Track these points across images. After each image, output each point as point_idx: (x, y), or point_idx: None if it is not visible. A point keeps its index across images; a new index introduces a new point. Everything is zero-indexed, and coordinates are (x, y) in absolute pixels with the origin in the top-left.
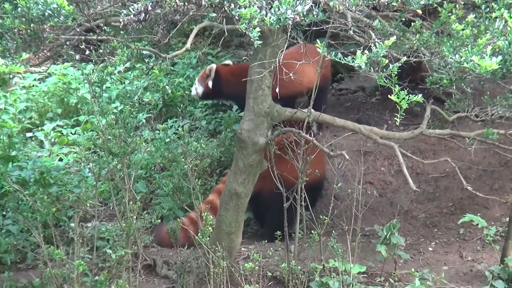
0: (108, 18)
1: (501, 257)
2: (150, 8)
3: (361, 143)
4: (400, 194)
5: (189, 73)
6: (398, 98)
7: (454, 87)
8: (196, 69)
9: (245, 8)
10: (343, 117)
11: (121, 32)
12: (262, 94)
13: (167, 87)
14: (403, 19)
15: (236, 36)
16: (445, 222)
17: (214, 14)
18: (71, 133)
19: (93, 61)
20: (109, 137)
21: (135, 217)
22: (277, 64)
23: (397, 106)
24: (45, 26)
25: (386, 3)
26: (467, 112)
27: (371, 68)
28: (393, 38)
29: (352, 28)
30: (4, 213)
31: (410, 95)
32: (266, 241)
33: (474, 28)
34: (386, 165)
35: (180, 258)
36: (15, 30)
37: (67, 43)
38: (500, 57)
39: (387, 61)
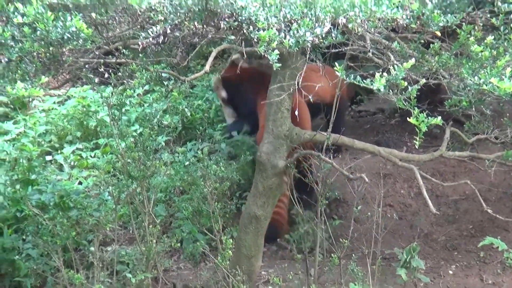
0: (127, 41)
1: None
2: (169, 31)
3: (380, 165)
4: (420, 217)
5: (208, 95)
6: (417, 120)
7: (473, 109)
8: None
9: (263, 31)
10: (362, 139)
11: (140, 55)
12: (281, 117)
13: (186, 109)
14: (422, 41)
15: (255, 58)
16: (465, 245)
17: (233, 37)
18: (91, 156)
19: (112, 84)
20: (129, 160)
21: (154, 240)
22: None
23: (417, 129)
24: (64, 49)
25: (405, 25)
26: (486, 134)
27: (390, 90)
28: (412, 61)
29: (371, 50)
30: (24, 237)
31: (429, 117)
32: (286, 265)
33: (493, 50)
34: (406, 187)
35: (200, 282)
36: (34, 54)
37: (86, 66)
38: None
39: (406, 83)
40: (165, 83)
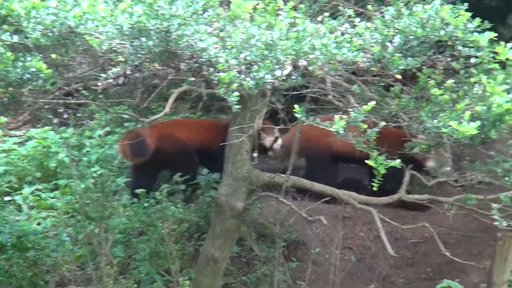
0: (87, 81)
1: None
2: (129, 72)
3: (340, 208)
4: (379, 259)
5: None
6: (376, 163)
7: (433, 152)
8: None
9: (224, 72)
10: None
11: (100, 96)
12: (241, 159)
13: None
14: (382, 83)
15: (217, 100)
16: (423, 287)
17: (193, 78)
18: (50, 197)
19: (72, 124)
20: (87, 201)
21: (111, 281)
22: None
23: (375, 171)
24: (24, 90)
25: (366, 68)
26: (446, 177)
27: (350, 133)
28: (372, 103)
29: (331, 92)
30: None
31: (388, 160)
32: None
33: (453, 93)
34: (365, 230)
35: None
36: None
37: (46, 106)
38: (478, 122)
39: (366, 126)
40: (126, 124)
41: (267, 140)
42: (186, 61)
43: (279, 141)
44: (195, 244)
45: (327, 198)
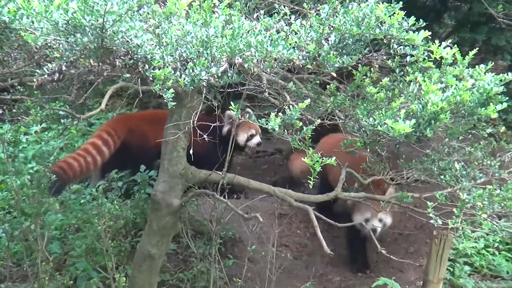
0: (22, 77)
1: None
2: (64, 68)
3: (276, 205)
4: (316, 257)
5: None
6: (311, 161)
7: (369, 150)
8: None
9: (159, 69)
10: (260, 179)
11: (36, 92)
12: (177, 156)
13: None
14: (318, 81)
15: (153, 97)
16: (360, 285)
17: (128, 75)
18: None
19: (7, 120)
20: (23, 197)
21: (47, 278)
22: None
23: (311, 169)
24: None
25: (301, 66)
26: (382, 175)
27: (285, 130)
28: (308, 101)
29: (267, 90)
30: None
31: (324, 158)
32: None
33: (388, 92)
34: (302, 227)
35: None
36: None
37: None
38: (413, 121)
39: (301, 123)
40: (62, 120)
41: (241, 137)
42: (122, 57)
43: (256, 139)
44: (132, 240)
45: (264, 196)
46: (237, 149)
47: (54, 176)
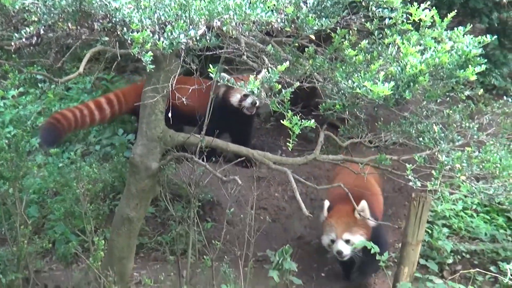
0: (0, 41)
1: (393, 282)
2: (42, 32)
3: (254, 168)
4: (294, 220)
5: (84, 98)
6: (290, 123)
7: (348, 113)
8: (90, 94)
9: (137, 32)
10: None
11: (14, 55)
12: (155, 119)
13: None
14: (297, 44)
15: (131, 61)
16: None
17: (107, 38)
18: None
19: None
20: (1, 161)
21: (26, 241)
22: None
23: (290, 131)
24: None
25: (280, 29)
26: (360, 138)
27: (264, 93)
28: (286, 64)
29: (245, 53)
30: None
31: (303, 120)
32: (158, 266)
33: (367, 54)
34: (280, 190)
35: (71, 282)
36: None
37: None
38: (392, 83)
39: (280, 86)
40: (40, 85)
41: (234, 99)
42: (100, 20)
43: (249, 98)
44: (110, 204)
45: (242, 159)
46: (234, 112)
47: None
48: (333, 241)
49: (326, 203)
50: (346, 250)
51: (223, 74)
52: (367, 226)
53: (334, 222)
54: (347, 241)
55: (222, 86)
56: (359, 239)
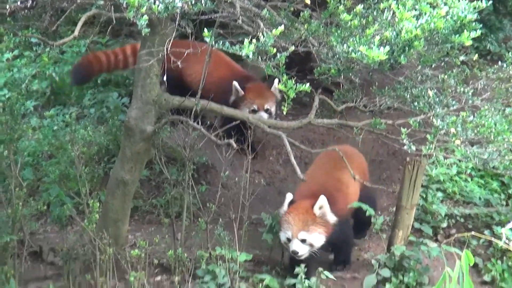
0: None
1: (388, 246)
2: None
3: (249, 132)
4: (288, 183)
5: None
6: (285, 87)
7: (342, 77)
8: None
9: None
10: None
11: (8, 19)
12: (150, 82)
13: (53, 74)
14: (292, 9)
15: (126, 25)
16: None
17: (102, 2)
18: None
19: None
20: None
21: (21, 203)
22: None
23: (285, 95)
24: None
25: None
26: (355, 103)
27: (259, 57)
28: (281, 28)
29: (240, 17)
30: None
31: (298, 84)
32: (153, 228)
33: (362, 19)
34: (275, 154)
35: (66, 245)
36: None
37: None
38: (387, 48)
39: (275, 50)
40: (34, 48)
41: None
42: None
43: (258, 115)
44: (105, 167)
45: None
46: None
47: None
48: (289, 240)
49: (289, 197)
50: (302, 250)
51: (235, 83)
52: (327, 223)
53: (291, 219)
54: (303, 241)
55: (234, 95)
56: (316, 237)
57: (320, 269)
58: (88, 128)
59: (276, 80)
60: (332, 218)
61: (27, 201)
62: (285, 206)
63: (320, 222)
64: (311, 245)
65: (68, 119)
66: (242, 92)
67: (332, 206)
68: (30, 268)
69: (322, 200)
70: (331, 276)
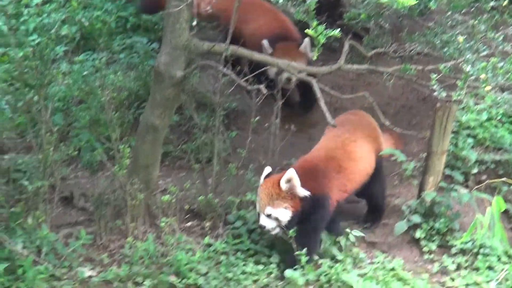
0: None
1: (418, 191)
2: None
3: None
4: (318, 129)
5: (107, 6)
6: (315, 32)
7: (372, 23)
8: (114, 2)
9: None
10: None
11: None
12: (180, 28)
13: (83, 19)
14: None
15: None
16: None
17: None
18: None
19: None
20: (26, 69)
21: (52, 149)
22: None
23: (315, 41)
24: None
25: None
26: (385, 48)
27: (289, 2)
28: None
29: None
30: None
31: (328, 30)
32: (183, 174)
33: None
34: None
35: (97, 190)
36: None
37: None
38: None
39: None
40: None
41: (271, 70)
42: None
43: (284, 75)
44: (135, 112)
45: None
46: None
47: None
48: (258, 214)
49: (266, 170)
50: (269, 225)
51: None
52: (294, 197)
53: (261, 193)
54: (269, 215)
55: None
56: (281, 212)
57: (348, 230)
58: (118, 73)
59: (306, 40)
60: (303, 192)
61: (57, 147)
62: (261, 180)
63: (285, 197)
64: (277, 220)
65: (98, 64)
66: (270, 50)
67: (313, 181)
68: (61, 214)
69: (290, 173)
70: (360, 234)
